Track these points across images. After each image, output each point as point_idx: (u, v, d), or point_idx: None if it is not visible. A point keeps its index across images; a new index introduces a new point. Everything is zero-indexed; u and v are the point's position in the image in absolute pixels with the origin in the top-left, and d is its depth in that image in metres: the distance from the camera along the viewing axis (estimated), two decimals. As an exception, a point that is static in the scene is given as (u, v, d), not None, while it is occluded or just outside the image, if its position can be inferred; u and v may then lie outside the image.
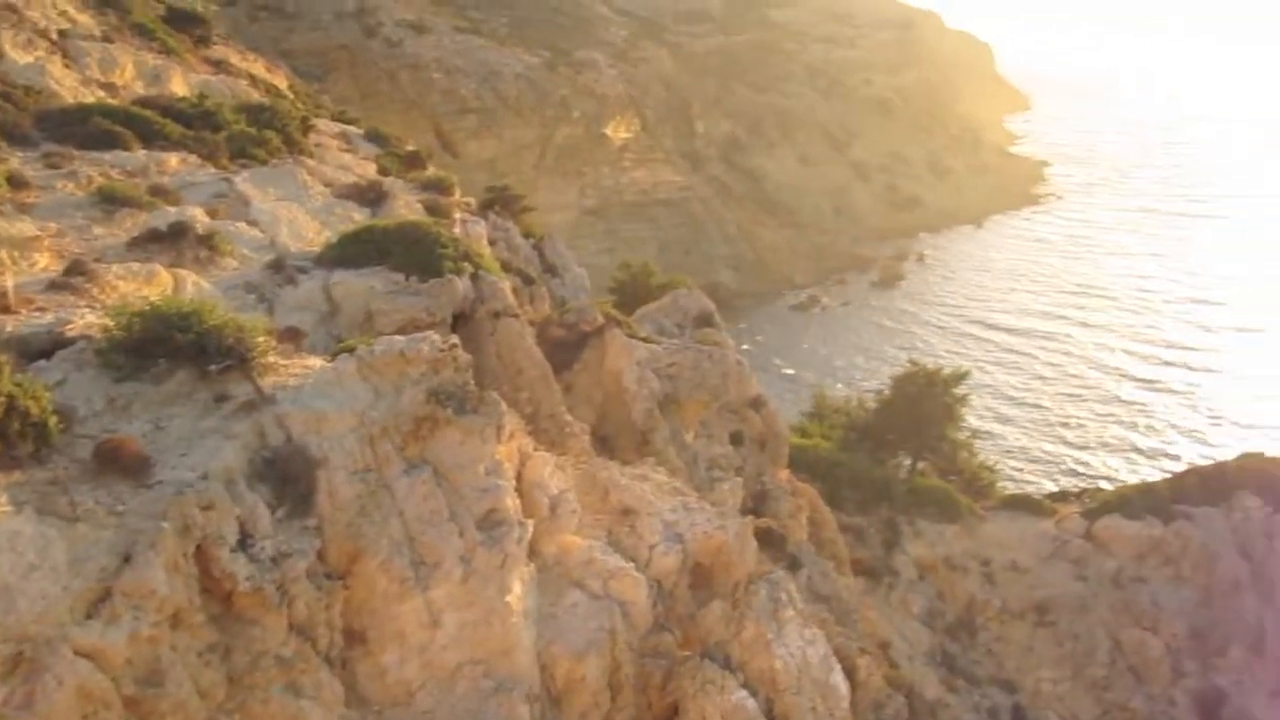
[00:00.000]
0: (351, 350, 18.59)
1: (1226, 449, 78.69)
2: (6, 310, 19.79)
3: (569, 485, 20.11)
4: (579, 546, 19.28)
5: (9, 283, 20.63)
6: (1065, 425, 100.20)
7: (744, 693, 18.33)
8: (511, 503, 18.22)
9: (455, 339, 19.05)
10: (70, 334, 18.71)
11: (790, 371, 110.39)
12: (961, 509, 56.60)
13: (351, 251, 27.10)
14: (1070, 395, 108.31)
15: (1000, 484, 67.58)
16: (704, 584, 20.56)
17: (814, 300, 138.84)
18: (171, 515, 15.08)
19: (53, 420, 15.60)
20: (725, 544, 20.49)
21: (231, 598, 15.72)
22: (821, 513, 45.52)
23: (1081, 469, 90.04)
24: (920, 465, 63.01)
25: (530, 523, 18.40)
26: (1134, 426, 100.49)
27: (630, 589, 19.03)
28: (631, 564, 19.46)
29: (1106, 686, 53.20)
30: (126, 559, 14.55)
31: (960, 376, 64.11)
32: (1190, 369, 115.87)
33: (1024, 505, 60.37)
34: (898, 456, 62.90)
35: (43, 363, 17.96)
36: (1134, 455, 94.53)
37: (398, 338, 18.69)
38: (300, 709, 15.81)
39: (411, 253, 27.09)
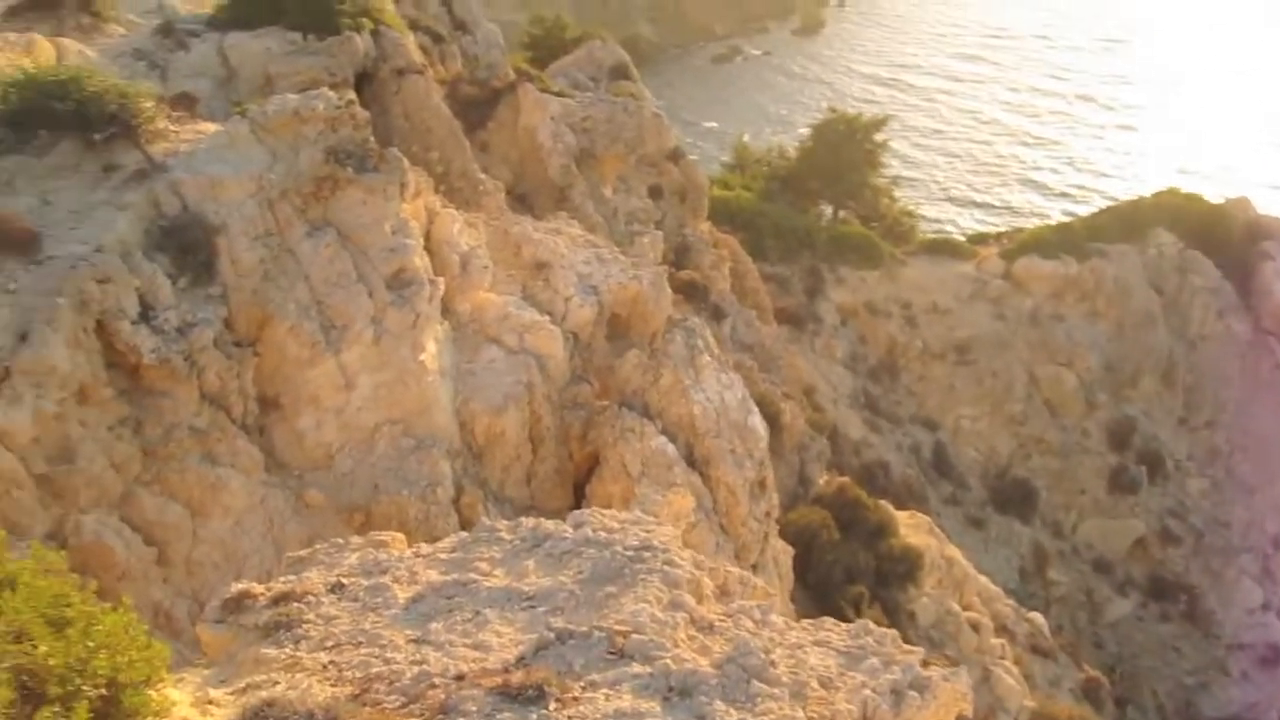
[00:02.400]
0: (243, 113, 17.89)
1: (1135, 189, 79.19)
2: (-126, 84, 18.74)
3: (480, 242, 19.79)
4: (493, 303, 19.10)
5: (-125, 55, 19.52)
6: (977, 171, 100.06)
7: (663, 438, 18.53)
8: (420, 261, 17.91)
9: (351, 95, 18.37)
10: (-56, 107, 17.80)
11: (712, 124, 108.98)
12: (883, 254, 56.86)
13: (245, 11, 25.95)
14: (983, 140, 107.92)
15: (920, 229, 67.98)
16: (621, 335, 20.55)
17: (735, 51, 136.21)
18: (67, 290, 14.66)
19: (-70, 197, 14.99)
20: (641, 293, 20.40)
21: (139, 371, 15.46)
22: (744, 263, 45.57)
23: (994, 216, 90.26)
24: (841, 213, 63.11)
25: (441, 281, 18.14)
26: (1045, 168, 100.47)
27: (547, 342, 18.97)
28: (547, 317, 19.35)
29: (1023, 421, 54.73)
30: (23, 337, 14.19)
31: (880, 122, 63.72)
32: (1101, 109, 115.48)
33: (944, 248, 60.73)
34: (819, 205, 62.93)
35: (-82, 139, 17.16)
36: (1045, 196, 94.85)
37: (291, 96, 17.98)
38: (219, 477, 15.78)
39: (307, 10, 25.96)
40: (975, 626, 36.87)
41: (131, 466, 15.19)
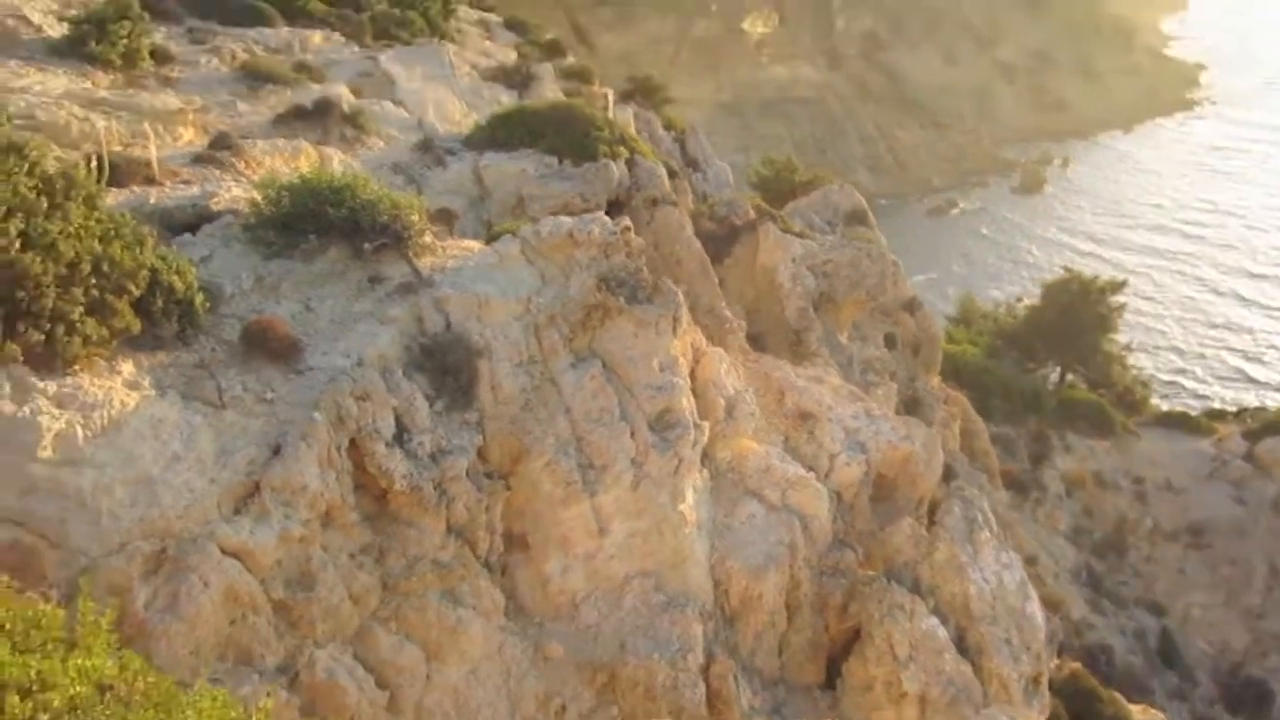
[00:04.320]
0: (514, 232, 17.01)
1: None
2: (151, 181, 18.60)
3: (746, 386, 18.41)
4: (756, 453, 17.62)
5: (154, 154, 19.42)
6: (1189, 352, 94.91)
7: (934, 619, 16.64)
8: (687, 402, 16.59)
9: (627, 221, 17.32)
10: (216, 207, 17.44)
11: (930, 275, 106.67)
12: (1114, 423, 54.06)
13: (502, 133, 25.69)
14: (1201, 319, 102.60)
15: (1153, 401, 64.59)
16: (886, 498, 18.82)
17: (951, 204, 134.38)
18: (324, 405, 13.75)
19: (199, 298, 14.29)
20: (912, 455, 18.68)
21: (387, 496, 14.40)
22: (974, 422, 43.43)
23: (1199, 401, 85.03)
24: (1069, 377, 60.56)
25: (706, 425, 16.77)
26: (1253, 355, 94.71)
27: (811, 501, 17.36)
28: (811, 473, 17.75)
29: (1261, 615, 50.88)
30: (276, 451, 13.25)
31: (1117, 286, 61.15)
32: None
33: (1180, 423, 57.59)
34: (1046, 367, 60.54)
35: (188, 237, 16.72)
36: (1253, 385, 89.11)
37: (565, 218, 17.05)
38: (459, 618, 14.50)
39: (565, 135, 25.56)
40: (1213, 845, 33.42)
41: (370, 599, 14.04)
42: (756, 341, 31.11)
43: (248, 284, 15.71)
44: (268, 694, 12.25)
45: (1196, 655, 50.14)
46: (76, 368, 12.42)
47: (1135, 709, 36.38)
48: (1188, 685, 48.29)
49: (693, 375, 17.52)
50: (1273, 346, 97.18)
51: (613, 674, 15.17)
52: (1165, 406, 74.82)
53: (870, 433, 18.81)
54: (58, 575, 11.28)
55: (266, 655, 12.67)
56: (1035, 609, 18.01)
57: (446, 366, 15.23)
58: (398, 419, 14.52)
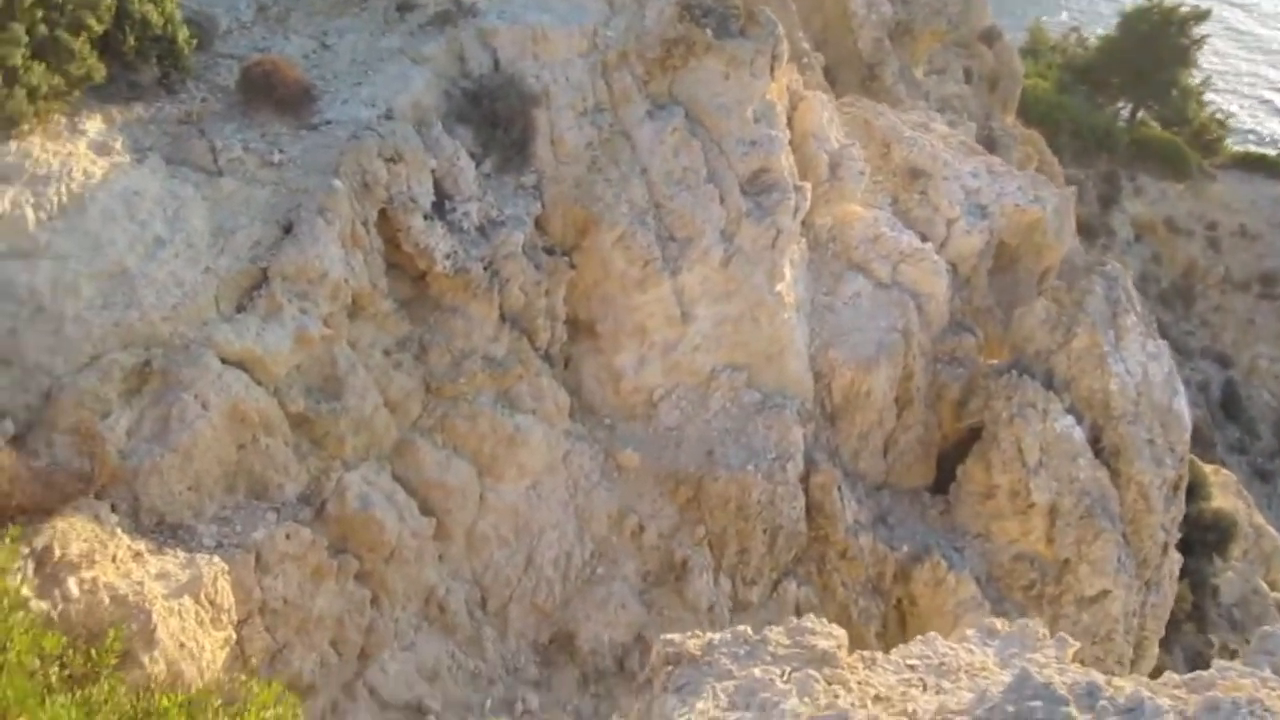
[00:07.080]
0: (574, -54, 13.76)
1: None
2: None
3: (850, 138, 15.40)
4: (862, 219, 14.78)
5: None
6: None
7: (1070, 419, 14.12)
8: (786, 160, 13.68)
9: (714, -66, 14.01)
10: (206, -84, 14.19)
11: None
12: (1190, 165, 50.57)
13: None
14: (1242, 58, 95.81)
15: (1230, 140, 60.42)
16: (1005, 269, 16.04)
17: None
18: (346, 168, 10.98)
19: (183, 34, 11.31)
20: (1041, 221, 15.80)
21: (426, 279, 11.79)
22: (1050, 165, 40.03)
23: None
24: (1141, 114, 56.58)
25: (807, 187, 13.89)
26: None
27: (926, 276, 14.62)
28: (927, 243, 14.94)
29: (1329, 367, 48.87)
30: (288, 229, 10.58)
31: (1200, 16, 56.34)
32: None
33: (1259, 165, 53.95)
34: (1118, 103, 56.51)
35: (172, -46, 13.58)
36: None
37: (637, -71, 13.71)
38: (517, 425, 12.04)
39: None
40: (1283, 609, 31.93)
41: (410, 407, 11.58)
42: (824, 76, 27.88)
43: (248, 15, 12.73)
44: (286, 535, 9.96)
45: (1260, 408, 48.38)
46: (24, 129, 9.61)
47: (1207, 469, 34.56)
48: (1249, 438, 46.70)
49: (790, 125, 14.51)
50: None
51: (699, 487, 12.82)
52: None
53: (993, 193, 15.88)
54: (13, 402, 8.80)
55: (285, 484, 10.30)
56: (1182, 404, 15.45)
57: (496, 117, 12.36)
58: (437, 184, 11.78)
